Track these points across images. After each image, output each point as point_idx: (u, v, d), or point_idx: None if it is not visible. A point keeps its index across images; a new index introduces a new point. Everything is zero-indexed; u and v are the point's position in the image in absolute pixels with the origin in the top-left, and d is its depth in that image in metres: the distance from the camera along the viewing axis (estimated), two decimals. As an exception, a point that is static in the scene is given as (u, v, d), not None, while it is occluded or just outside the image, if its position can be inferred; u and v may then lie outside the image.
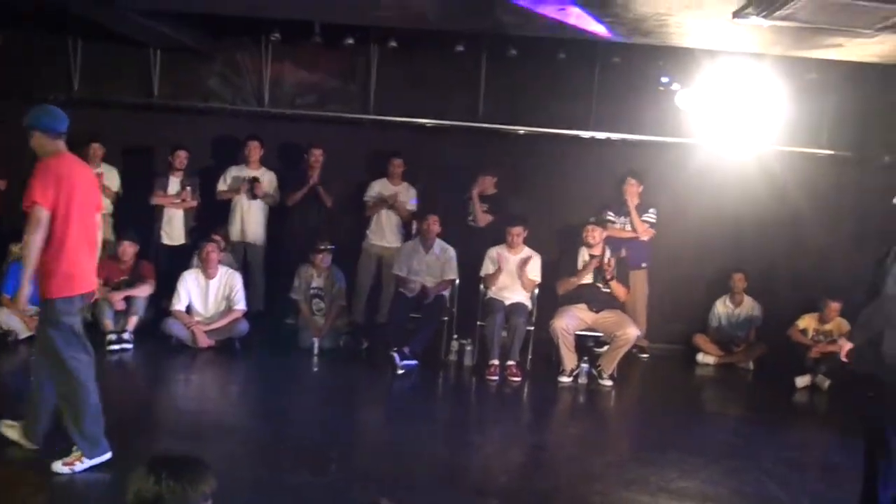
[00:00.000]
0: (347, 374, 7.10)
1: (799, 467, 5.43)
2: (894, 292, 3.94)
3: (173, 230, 8.08)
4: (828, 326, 7.84)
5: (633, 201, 8.06)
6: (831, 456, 5.47)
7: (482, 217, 7.93)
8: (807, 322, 7.94)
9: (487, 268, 7.45)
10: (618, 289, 7.23)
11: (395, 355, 6.89)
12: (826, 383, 7.45)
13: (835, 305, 7.76)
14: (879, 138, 8.05)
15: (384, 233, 8.20)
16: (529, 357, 7.37)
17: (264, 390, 6.59)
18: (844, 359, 4.62)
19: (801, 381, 7.57)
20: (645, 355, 8.09)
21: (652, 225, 8.10)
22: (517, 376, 6.98)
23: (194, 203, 8.09)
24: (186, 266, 7.55)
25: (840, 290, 7.72)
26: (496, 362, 7.03)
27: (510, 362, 7.05)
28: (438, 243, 7.53)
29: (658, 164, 8.50)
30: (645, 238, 8.06)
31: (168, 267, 7.78)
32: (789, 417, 6.97)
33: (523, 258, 7.41)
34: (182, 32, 7.64)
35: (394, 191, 8.13)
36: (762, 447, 5.77)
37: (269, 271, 8.26)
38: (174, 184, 8.08)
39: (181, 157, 8.04)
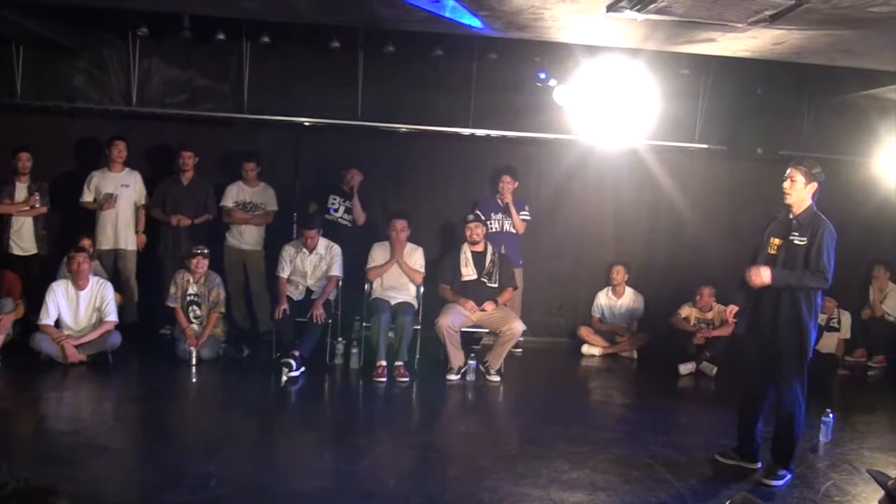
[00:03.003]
0: (228, 384, 6.90)
1: (686, 450, 5.51)
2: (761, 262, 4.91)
3: (22, 239, 7.60)
4: (709, 314, 8.04)
5: (508, 198, 8.09)
6: (718, 438, 5.55)
7: (361, 214, 7.85)
8: (688, 311, 8.13)
9: (375, 259, 7.36)
10: (506, 294, 7.33)
11: (293, 362, 6.73)
12: (713, 370, 7.65)
13: (706, 290, 7.99)
14: (751, 132, 8.29)
15: (243, 235, 8.02)
16: (417, 356, 7.29)
17: (140, 405, 6.31)
18: (732, 319, 5.26)
19: (685, 367, 7.75)
20: (518, 350, 8.04)
21: (527, 222, 8.15)
22: (405, 377, 6.90)
23: (43, 210, 7.62)
24: (41, 278, 7.20)
25: (716, 278, 7.95)
26: (383, 363, 6.93)
27: (398, 363, 6.97)
28: (323, 241, 7.38)
29: (537, 160, 8.62)
30: (521, 231, 8.11)
31: (22, 278, 7.35)
32: (675, 403, 7.10)
33: (406, 255, 7.39)
34: (45, 26, 7.17)
35: (251, 194, 7.97)
36: (649, 433, 5.85)
37: (141, 279, 7.95)
38: (21, 190, 7.57)
39: (23, 159, 7.52)
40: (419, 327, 7.29)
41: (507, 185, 8.09)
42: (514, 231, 8.08)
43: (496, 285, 7.30)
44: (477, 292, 7.22)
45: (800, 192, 4.84)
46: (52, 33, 7.41)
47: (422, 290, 7.45)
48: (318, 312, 7.05)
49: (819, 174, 4.86)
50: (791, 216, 4.90)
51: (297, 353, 6.79)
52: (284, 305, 7.07)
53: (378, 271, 7.32)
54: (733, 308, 5.20)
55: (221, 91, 8.19)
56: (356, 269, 7.46)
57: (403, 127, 8.25)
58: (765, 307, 4.93)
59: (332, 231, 7.65)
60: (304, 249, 7.33)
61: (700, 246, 8.50)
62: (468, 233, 7.35)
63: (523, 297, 8.22)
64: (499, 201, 8.12)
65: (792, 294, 4.82)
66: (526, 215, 8.15)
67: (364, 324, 7.37)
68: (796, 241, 4.82)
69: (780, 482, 4.92)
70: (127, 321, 7.53)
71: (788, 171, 4.89)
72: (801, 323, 4.82)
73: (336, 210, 7.89)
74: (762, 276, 4.82)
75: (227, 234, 8.03)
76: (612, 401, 7.25)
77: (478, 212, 7.69)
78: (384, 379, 6.86)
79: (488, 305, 7.16)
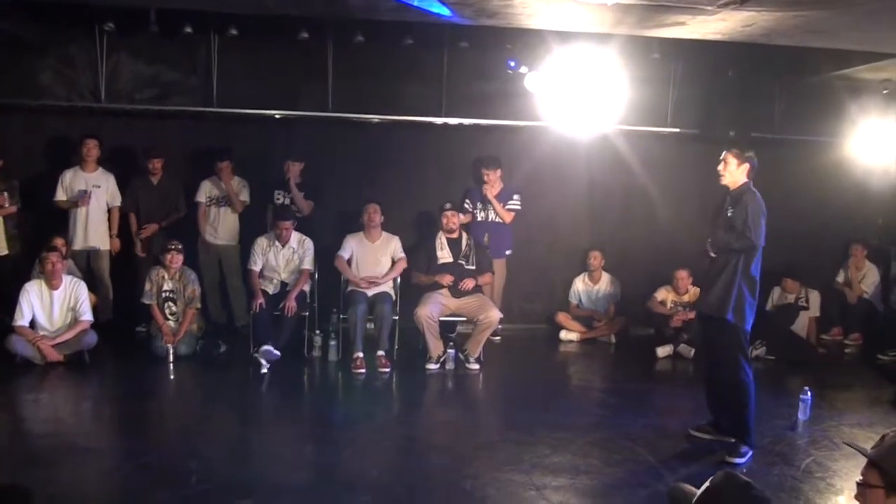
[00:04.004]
0: (206, 380, 6.88)
1: (665, 432, 5.58)
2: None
3: None
4: (686, 297, 8.09)
5: (493, 190, 8.12)
6: (696, 417, 5.60)
7: (304, 203, 7.84)
8: (664, 294, 8.18)
9: (346, 248, 7.38)
10: (485, 277, 7.38)
11: (269, 348, 6.76)
12: (691, 352, 7.72)
13: (682, 273, 8.05)
14: (723, 115, 8.31)
15: (217, 230, 8.01)
16: (396, 347, 7.29)
17: (118, 404, 6.25)
18: None
19: (663, 350, 7.82)
20: (497, 337, 8.07)
21: (516, 210, 8.16)
22: (387, 367, 6.91)
23: (13, 209, 7.51)
24: (13, 279, 7.14)
25: (691, 261, 7.82)
26: (360, 355, 6.93)
27: (379, 352, 6.98)
28: (295, 235, 7.37)
29: (510, 148, 8.61)
30: (508, 220, 8.12)
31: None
32: (653, 385, 7.20)
33: (382, 243, 7.41)
34: (9, 23, 7.08)
35: (225, 190, 7.94)
36: (629, 416, 5.91)
37: (116, 277, 7.88)
38: None
39: None
40: (397, 317, 7.28)
41: (491, 176, 8.12)
42: (500, 221, 8.10)
43: (474, 267, 7.33)
44: (455, 273, 7.25)
45: (733, 174, 5.18)
46: (17, 30, 7.31)
47: (398, 280, 7.46)
48: (290, 305, 7.03)
49: (751, 157, 5.19)
50: (727, 192, 5.27)
51: (270, 347, 6.81)
52: (261, 300, 7.04)
53: (343, 267, 7.28)
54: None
55: (190, 85, 8.08)
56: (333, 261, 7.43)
57: (375, 118, 8.19)
58: (708, 280, 5.28)
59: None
60: (277, 243, 7.31)
61: (674, 229, 8.49)
62: (444, 221, 7.38)
63: (504, 287, 8.26)
64: (484, 192, 8.15)
65: (725, 262, 5.09)
66: (515, 204, 8.17)
67: (341, 315, 7.36)
68: (728, 213, 5.15)
69: (742, 459, 5.00)
70: (102, 320, 7.48)
71: (723, 154, 5.24)
72: (730, 288, 5.03)
73: (283, 205, 7.90)
74: (708, 245, 5.23)
75: (201, 230, 8.01)
76: (592, 385, 7.30)
77: (467, 202, 7.82)
78: (363, 370, 6.85)
79: (468, 282, 7.18)
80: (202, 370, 7.03)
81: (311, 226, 7.76)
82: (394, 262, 7.40)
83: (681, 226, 8.47)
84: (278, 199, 7.93)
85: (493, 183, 8.14)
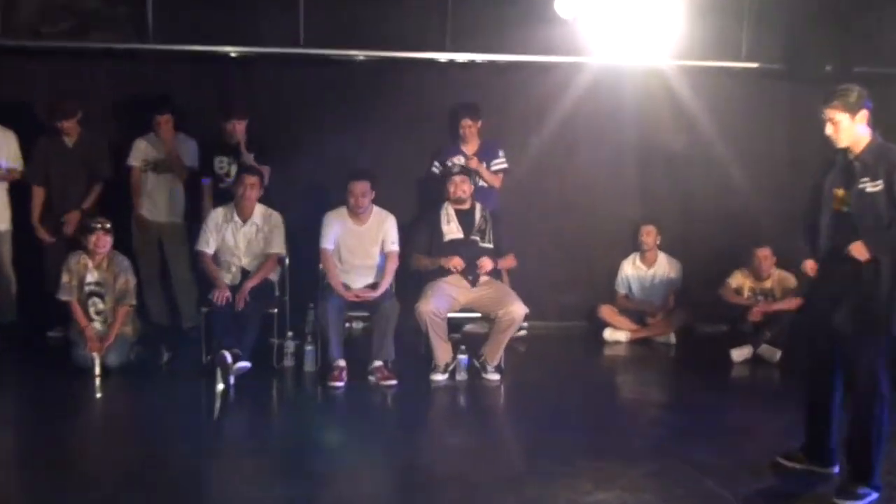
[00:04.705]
0: (144, 399, 6.80)
1: (742, 458, 5.50)
2: None
3: None
4: (768, 283, 8.02)
5: (472, 146, 8.17)
6: (783, 440, 5.51)
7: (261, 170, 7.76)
8: (740, 279, 8.12)
9: (327, 239, 7.28)
10: (508, 259, 7.36)
11: (226, 354, 6.67)
12: (776, 354, 7.66)
13: (763, 252, 7.98)
14: (816, 46, 8.23)
15: (157, 203, 8.01)
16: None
17: (26, 432, 6.18)
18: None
19: (739, 353, 7.75)
20: (522, 332, 8.13)
21: (504, 171, 8.21)
22: (389, 379, 6.90)
23: None
24: None
25: (774, 235, 7.99)
26: (341, 363, 6.90)
27: (377, 363, 6.95)
28: (260, 209, 7.33)
29: (534, 90, 8.55)
30: (498, 185, 8.17)
31: None
32: (727, 400, 7.09)
33: (373, 226, 7.31)
34: None
35: (165, 150, 7.92)
36: (695, 439, 5.83)
37: (21, 267, 7.93)
38: None
39: None
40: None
41: (469, 129, 8.16)
42: (484, 185, 8.09)
43: (490, 245, 7.29)
44: (468, 253, 7.19)
45: (849, 131, 4.84)
46: None
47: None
48: (240, 296, 7.00)
49: (862, 98, 4.84)
50: (851, 158, 4.88)
51: (233, 353, 6.73)
52: (226, 292, 7.02)
53: (331, 266, 7.22)
54: (811, 264, 5.21)
55: (117, 15, 8.08)
56: (309, 243, 7.41)
57: (360, 54, 8.25)
58: (835, 270, 4.94)
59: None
60: (237, 217, 7.27)
61: (753, 195, 8.53)
62: (452, 189, 7.32)
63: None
64: (463, 151, 8.16)
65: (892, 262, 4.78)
66: (501, 163, 8.20)
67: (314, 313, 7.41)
68: (868, 189, 4.78)
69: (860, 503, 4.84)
70: (4, 322, 7.51)
71: (824, 113, 4.88)
72: (883, 289, 4.75)
73: (228, 175, 7.86)
74: (861, 252, 4.78)
75: (135, 203, 7.98)
76: (646, 399, 7.23)
77: (452, 162, 7.78)
78: (340, 383, 6.83)
79: (486, 262, 7.13)
80: (139, 387, 6.97)
81: (270, 199, 7.66)
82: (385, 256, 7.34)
83: (762, 189, 8.52)
84: (221, 167, 7.90)
85: (472, 138, 8.18)
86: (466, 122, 8.12)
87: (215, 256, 7.29)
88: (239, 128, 7.77)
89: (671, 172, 8.88)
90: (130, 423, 6.48)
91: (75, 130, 7.80)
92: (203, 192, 7.91)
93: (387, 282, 7.22)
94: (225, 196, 7.60)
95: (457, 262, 7.11)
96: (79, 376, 6.92)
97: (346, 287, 7.09)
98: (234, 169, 7.78)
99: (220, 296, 6.95)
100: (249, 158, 7.71)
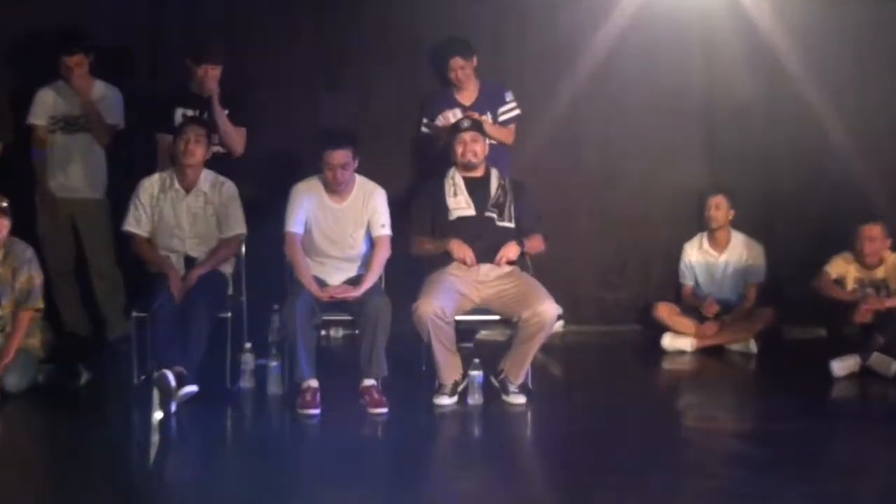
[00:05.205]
0: (55, 432, 6.55)
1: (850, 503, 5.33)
2: None
3: None
4: (879, 272, 7.78)
5: (469, 93, 8.12)
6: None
7: (234, 133, 7.69)
8: (842, 266, 7.90)
9: (295, 220, 6.99)
10: (535, 241, 7.10)
11: (168, 374, 6.37)
12: (892, 366, 7.36)
13: (872, 231, 7.79)
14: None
15: (69, 175, 7.91)
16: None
17: None
18: None
19: (842, 365, 7.41)
20: (558, 328, 8.00)
21: (516, 120, 8.12)
22: (381, 406, 6.59)
23: None
24: None
25: (888, 208, 8.00)
26: (314, 384, 6.58)
27: (367, 382, 6.64)
28: (208, 175, 7.10)
29: (564, 20, 8.49)
30: (510, 141, 8.11)
31: None
32: (827, 426, 6.80)
33: (356, 202, 7.03)
34: None
35: (78, 104, 7.83)
36: (785, 480, 5.48)
37: None
38: None
39: None
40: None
41: (462, 70, 8.03)
42: (494, 142, 7.91)
43: (511, 224, 7.00)
44: (481, 235, 6.90)
45: None
46: None
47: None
48: (184, 285, 6.78)
49: None
50: None
51: (176, 371, 6.45)
52: (178, 283, 6.83)
53: (297, 255, 6.99)
54: None
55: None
56: (272, 225, 7.14)
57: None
58: None
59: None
60: (178, 185, 7.03)
61: (857, 156, 8.37)
62: (460, 150, 7.00)
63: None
64: (458, 100, 8.07)
65: None
66: (511, 109, 8.12)
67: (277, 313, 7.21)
68: None
69: None
70: None
71: None
72: None
73: None
74: None
75: (39, 174, 7.87)
76: (719, 429, 6.96)
77: (425, 121, 8.01)
78: (314, 411, 6.53)
79: (510, 248, 6.81)
80: (48, 415, 6.84)
81: (236, 169, 7.57)
82: (372, 243, 7.14)
83: (868, 150, 8.38)
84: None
85: (468, 81, 8.07)
86: (457, 61, 7.97)
87: (148, 237, 7.12)
88: (213, 73, 7.67)
89: (747, 127, 8.74)
90: (38, 462, 6.26)
91: None
92: (158, 155, 7.72)
93: (374, 276, 6.94)
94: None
95: (466, 254, 6.78)
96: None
97: (321, 283, 6.83)
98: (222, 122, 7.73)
99: (175, 286, 6.74)
100: (224, 118, 7.60)
